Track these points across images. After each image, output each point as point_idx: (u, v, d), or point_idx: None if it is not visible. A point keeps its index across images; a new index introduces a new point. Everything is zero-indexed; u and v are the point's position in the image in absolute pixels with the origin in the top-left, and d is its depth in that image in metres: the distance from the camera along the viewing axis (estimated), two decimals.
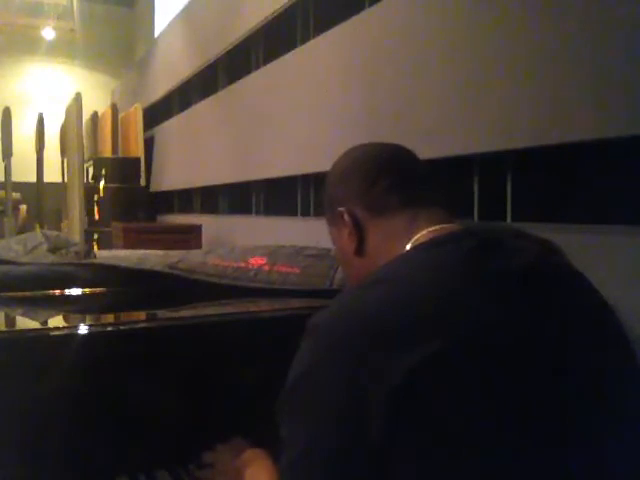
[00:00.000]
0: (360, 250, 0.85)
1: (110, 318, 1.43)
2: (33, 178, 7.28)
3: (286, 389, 0.66)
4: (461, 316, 0.64)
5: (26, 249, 1.68)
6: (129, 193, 7.03)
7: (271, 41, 4.70)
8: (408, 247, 0.78)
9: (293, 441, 0.64)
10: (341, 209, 0.86)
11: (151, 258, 1.56)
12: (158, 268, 1.47)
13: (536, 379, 0.64)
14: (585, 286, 0.75)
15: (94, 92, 9.78)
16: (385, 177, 0.85)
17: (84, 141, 7.13)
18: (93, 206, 6.80)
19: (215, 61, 5.85)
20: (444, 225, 0.79)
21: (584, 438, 0.65)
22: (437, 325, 0.62)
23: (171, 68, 7.25)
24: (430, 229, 0.79)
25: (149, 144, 7.75)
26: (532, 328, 0.66)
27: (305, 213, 4.20)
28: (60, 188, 7.57)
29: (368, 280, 0.72)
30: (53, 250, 1.71)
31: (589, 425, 0.65)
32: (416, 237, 0.78)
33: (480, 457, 0.59)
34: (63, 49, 10.27)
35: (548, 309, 0.69)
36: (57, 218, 8.14)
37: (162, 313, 1.47)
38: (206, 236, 5.42)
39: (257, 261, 1.48)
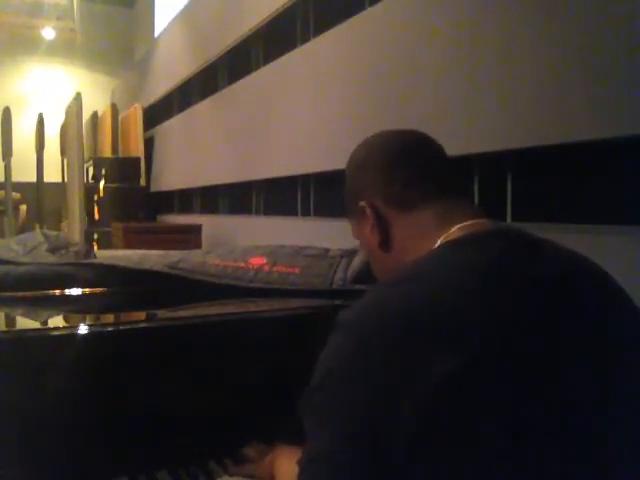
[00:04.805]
0: (385, 245, 0.81)
1: (110, 318, 1.43)
2: (33, 178, 7.28)
3: (312, 385, 0.64)
4: (490, 322, 0.61)
5: (26, 249, 1.68)
6: (129, 193, 7.03)
7: (271, 41, 4.70)
8: (438, 243, 0.74)
9: (317, 438, 0.62)
10: (362, 203, 0.83)
11: (151, 258, 1.56)
12: (158, 268, 1.47)
13: (561, 386, 0.62)
14: (618, 300, 0.72)
15: (94, 92, 9.77)
16: (406, 169, 0.81)
17: (84, 141, 7.12)
18: (93, 206, 6.79)
19: (215, 61, 5.85)
20: (474, 221, 0.76)
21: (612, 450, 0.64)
22: (466, 329, 0.60)
23: (171, 68, 7.25)
24: (460, 225, 0.75)
25: (149, 144, 7.75)
26: (560, 336, 0.64)
27: (305, 213, 4.19)
28: (60, 188, 7.57)
29: (396, 278, 0.70)
30: (53, 250, 1.71)
31: (618, 435, 0.64)
32: (446, 234, 0.75)
33: (509, 463, 0.57)
34: (63, 49, 10.26)
35: (577, 318, 0.66)
36: (57, 218, 8.14)
37: (162, 313, 1.47)
38: (206, 236, 5.42)
39: (257, 261, 1.48)
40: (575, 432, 0.61)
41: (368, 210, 0.82)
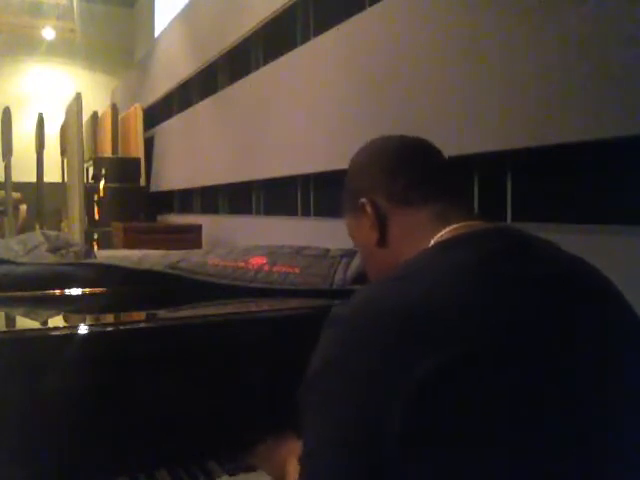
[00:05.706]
0: (382, 241, 0.84)
1: (110, 318, 1.43)
2: (33, 178, 7.28)
3: (307, 379, 0.65)
4: (480, 322, 0.62)
5: (26, 249, 1.68)
6: (129, 193, 7.03)
7: (271, 41, 4.70)
8: (432, 243, 0.76)
9: (314, 431, 0.63)
10: (363, 199, 0.85)
11: (151, 258, 1.56)
12: (158, 268, 1.47)
13: (559, 386, 0.62)
14: (616, 303, 0.73)
15: (94, 92, 9.78)
16: (406, 171, 0.84)
17: (84, 141, 7.13)
18: (93, 206, 6.80)
19: (215, 61, 5.85)
20: (468, 222, 0.77)
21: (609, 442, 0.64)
22: (460, 327, 0.61)
23: (171, 68, 7.25)
24: (455, 226, 0.77)
25: (149, 144, 7.75)
26: (555, 336, 0.64)
27: (305, 213, 4.20)
28: (60, 188, 7.58)
29: (391, 276, 0.71)
30: (53, 250, 1.71)
31: (613, 428, 0.64)
32: (440, 234, 0.77)
33: (506, 460, 0.58)
34: (63, 49, 10.27)
35: (572, 319, 0.66)
36: (57, 218, 8.14)
37: (162, 313, 1.47)
38: (206, 236, 5.42)
39: (257, 261, 1.48)
40: (574, 431, 0.62)
41: (368, 206, 0.84)
